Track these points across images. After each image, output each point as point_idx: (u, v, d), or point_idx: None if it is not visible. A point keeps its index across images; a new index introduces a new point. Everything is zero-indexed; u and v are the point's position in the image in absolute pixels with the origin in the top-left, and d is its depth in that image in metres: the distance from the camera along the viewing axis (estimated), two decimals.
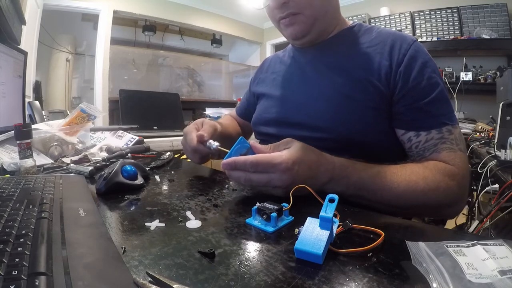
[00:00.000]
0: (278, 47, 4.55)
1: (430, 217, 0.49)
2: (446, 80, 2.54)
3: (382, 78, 0.58)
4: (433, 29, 2.75)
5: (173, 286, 0.23)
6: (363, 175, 0.49)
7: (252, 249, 0.32)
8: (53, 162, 0.73)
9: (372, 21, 3.06)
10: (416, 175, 0.51)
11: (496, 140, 1.27)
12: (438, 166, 0.53)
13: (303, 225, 0.33)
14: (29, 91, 2.29)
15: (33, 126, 0.72)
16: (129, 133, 1.08)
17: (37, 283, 0.20)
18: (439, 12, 2.71)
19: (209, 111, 2.97)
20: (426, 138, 0.55)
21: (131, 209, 0.44)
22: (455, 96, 2.47)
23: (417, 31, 2.83)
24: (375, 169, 0.50)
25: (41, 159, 0.71)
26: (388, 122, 0.59)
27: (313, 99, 0.64)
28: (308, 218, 0.33)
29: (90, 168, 0.63)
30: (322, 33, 0.67)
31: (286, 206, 0.39)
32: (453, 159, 0.54)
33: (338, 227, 0.35)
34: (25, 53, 1.09)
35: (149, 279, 0.24)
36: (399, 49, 0.58)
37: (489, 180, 0.98)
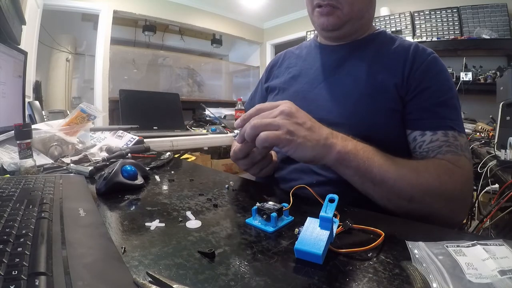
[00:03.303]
0: (278, 47, 4.55)
1: (430, 220, 0.48)
2: None
3: (404, 81, 0.59)
4: (433, 29, 2.75)
5: (173, 286, 0.23)
6: (368, 145, 0.50)
7: (252, 249, 0.32)
8: (53, 162, 0.73)
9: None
10: (416, 162, 0.53)
11: (496, 140, 1.27)
12: (439, 161, 0.53)
13: (303, 225, 0.33)
14: (29, 91, 2.29)
15: (33, 126, 0.72)
16: (129, 133, 1.08)
17: (37, 283, 0.20)
18: (439, 12, 2.72)
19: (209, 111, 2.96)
20: (431, 139, 0.55)
21: (131, 209, 0.44)
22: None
23: (417, 31, 2.83)
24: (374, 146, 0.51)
25: (41, 159, 0.71)
26: (402, 123, 0.61)
27: (334, 96, 0.65)
28: (308, 218, 0.33)
29: (90, 168, 0.63)
30: (351, 34, 0.68)
31: (286, 206, 0.39)
32: (457, 161, 0.53)
33: (338, 227, 0.35)
34: (25, 53, 1.09)
35: (149, 279, 0.24)
36: (420, 56, 0.60)
37: (489, 180, 0.98)
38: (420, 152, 0.57)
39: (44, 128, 0.84)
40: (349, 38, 0.69)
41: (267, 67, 0.88)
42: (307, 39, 0.83)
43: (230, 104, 3.55)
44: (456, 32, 2.65)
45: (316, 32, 0.78)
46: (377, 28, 0.72)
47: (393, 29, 2.92)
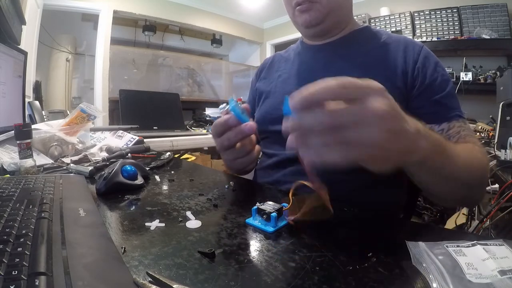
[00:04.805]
0: (278, 47, 4.55)
1: (464, 204, 0.50)
2: None
3: (398, 74, 0.61)
4: (433, 29, 2.75)
5: (173, 286, 0.23)
6: (438, 136, 0.41)
7: (252, 249, 0.32)
8: (53, 162, 0.73)
9: (372, 21, 3.06)
10: (465, 146, 0.53)
11: (496, 140, 1.27)
12: (473, 146, 0.55)
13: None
14: (29, 91, 2.29)
15: (33, 126, 0.72)
16: (129, 133, 1.08)
17: (37, 283, 0.20)
18: (439, 12, 2.71)
19: (209, 111, 2.97)
20: (449, 126, 0.58)
21: (131, 209, 0.44)
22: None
23: (417, 31, 2.83)
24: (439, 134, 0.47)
25: (41, 159, 0.71)
26: None
27: None
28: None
29: (90, 168, 0.63)
30: (334, 26, 0.68)
31: (285, 206, 0.39)
32: (476, 142, 0.57)
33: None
34: (25, 53, 1.09)
35: (149, 279, 0.24)
36: (412, 49, 0.62)
37: (489, 180, 0.98)
38: None
39: (44, 128, 0.84)
40: (333, 32, 0.70)
41: (257, 70, 0.89)
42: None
43: None
44: (456, 32, 2.65)
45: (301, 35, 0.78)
46: (362, 23, 0.74)
47: (393, 29, 2.92)
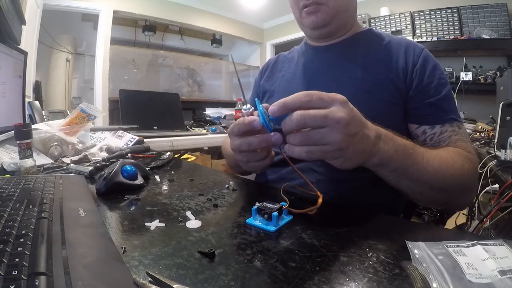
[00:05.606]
0: (278, 47, 4.55)
1: (446, 206, 0.50)
2: None
3: (399, 74, 0.62)
4: (433, 29, 2.75)
5: (173, 286, 0.23)
6: (406, 142, 0.48)
7: (252, 249, 0.31)
8: (53, 162, 0.73)
9: (372, 21, 3.06)
10: (444, 153, 0.53)
11: (496, 140, 1.27)
12: (457, 150, 0.56)
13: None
14: (29, 91, 2.29)
15: (33, 126, 0.72)
16: (129, 133, 1.08)
17: (37, 283, 0.20)
18: (439, 12, 2.71)
19: (209, 111, 2.97)
20: (441, 131, 0.59)
21: (131, 209, 0.44)
22: (455, 96, 2.46)
23: (417, 31, 2.83)
24: (411, 141, 0.50)
25: (41, 159, 0.71)
26: (402, 116, 0.62)
27: None
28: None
29: (90, 168, 0.63)
30: (340, 28, 0.69)
31: (284, 205, 0.39)
32: (467, 147, 0.57)
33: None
34: (25, 53, 1.08)
35: (149, 279, 0.24)
36: (413, 51, 0.63)
37: (489, 180, 0.98)
38: (431, 144, 0.59)
39: (44, 128, 0.84)
40: (338, 34, 0.70)
41: (260, 69, 0.89)
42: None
43: (230, 104, 3.55)
44: (456, 32, 2.65)
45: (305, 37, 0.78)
46: (365, 27, 0.74)
47: (393, 29, 2.92)
